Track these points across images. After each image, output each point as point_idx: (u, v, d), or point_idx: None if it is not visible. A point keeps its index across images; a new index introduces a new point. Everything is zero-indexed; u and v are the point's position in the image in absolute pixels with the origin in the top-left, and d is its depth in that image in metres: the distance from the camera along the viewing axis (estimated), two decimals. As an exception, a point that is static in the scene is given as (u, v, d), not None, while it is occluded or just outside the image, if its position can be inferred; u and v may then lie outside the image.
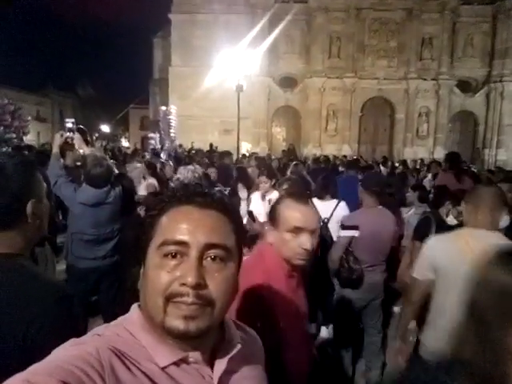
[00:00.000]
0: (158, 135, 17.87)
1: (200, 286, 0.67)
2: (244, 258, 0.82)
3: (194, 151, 16.28)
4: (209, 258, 0.70)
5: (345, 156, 19.41)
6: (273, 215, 1.57)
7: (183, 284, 0.66)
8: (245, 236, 0.89)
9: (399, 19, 26.65)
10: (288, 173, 7.61)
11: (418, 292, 2.14)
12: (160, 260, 0.69)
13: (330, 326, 4.13)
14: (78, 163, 5.41)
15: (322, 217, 4.07)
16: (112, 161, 4.99)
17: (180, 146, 18.93)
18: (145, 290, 0.71)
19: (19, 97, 40.53)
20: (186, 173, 3.85)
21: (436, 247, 2.12)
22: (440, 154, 24.79)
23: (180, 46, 27.68)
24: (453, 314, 1.87)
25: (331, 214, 4.01)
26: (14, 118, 22.21)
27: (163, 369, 0.68)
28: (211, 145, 17.80)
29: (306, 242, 1.48)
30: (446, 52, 26.65)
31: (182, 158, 10.36)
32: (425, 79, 26.77)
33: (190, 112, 25.95)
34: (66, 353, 0.64)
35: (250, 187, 5.59)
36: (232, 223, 0.75)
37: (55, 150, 3.46)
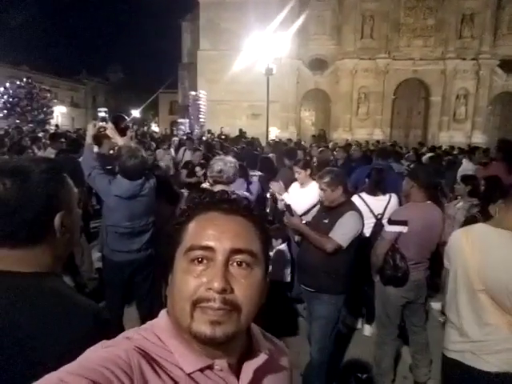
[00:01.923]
0: (187, 120, 17.88)
1: (226, 291, 0.67)
2: None
3: (223, 136, 16.18)
4: (235, 264, 0.70)
5: (378, 141, 18.80)
6: None
7: (209, 289, 0.67)
8: (270, 242, 0.89)
9: (438, -5, 25.16)
10: (314, 159, 7.32)
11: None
12: (187, 265, 0.70)
13: (373, 324, 3.99)
14: (112, 152, 5.40)
15: (376, 213, 3.93)
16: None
17: (209, 131, 18.88)
18: (172, 296, 0.72)
19: (54, 83, 41.80)
20: (225, 165, 3.66)
21: (454, 237, 2.11)
22: (478, 139, 23.61)
23: (208, 29, 27.38)
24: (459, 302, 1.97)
25: (384, 210, 3.86)
26: (33, 99, 22.91)
27: (189, 375, 0.68)
28: (241, 130, 17.63)
29: None
30: (488, 29, 25.05)
31: (212, 144, 10.24)
32: (464, 59, 25.35)
33: (218, 97, 25.79)
34: (97, 354, 0.65)
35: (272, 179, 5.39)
36: (257, 229, 0.75)
37: (88, 140, 3.40)
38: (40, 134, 13.53)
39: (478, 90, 25.68)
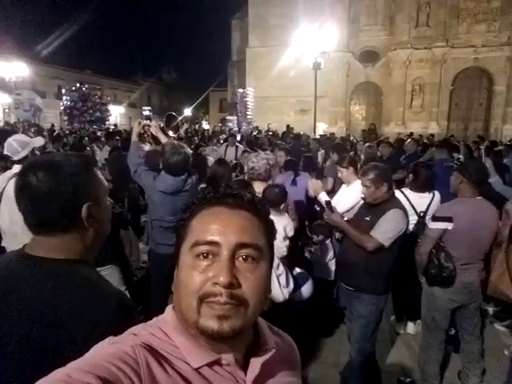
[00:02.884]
0: (235, 117, 18.13)
1: (232, 285, 0.67)
2: None
3: (270, 133, 16.19)
4: (240, 258, 0.70)
5: (432, 135, 17.82)
6: None
7: (216, 284, 0.66)
8: (275, 237, 0.81)
9: (504, -26, 23.22)
10: (362, 157, 7.03)
11: None
12: (192, 261, 0.70)
13: (418, 322, 3.82)
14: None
15: (418, 210, 3.77)
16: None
17: (256, 127, 18.99)
18: (178, 291, 0.72)
19: (114, 85, 44.33)
20: (258, 162, 3.70)
21: None
22: (550, 130, 21.61)
23: (257, 25, 27.48)
24: None
25: (427, 208, 3.70)
26: (86, 100, 24.39)
27: (196, 370, 0.69)
28: (288, 126, 17.54)
29: None
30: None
31: (253, 141, 10.26)
32: (534, 43, 23.20)
33: (266, 93, 25.85)
34: (104, 351, 0.66)
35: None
36: (262, 223, 0.75)
37: (134, 138, 3.56)
38: (99, 133, 14.39)
39: (550, 77, 23.42)
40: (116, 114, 38.05)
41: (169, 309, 0.77)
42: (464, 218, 2.87)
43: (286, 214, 3.34)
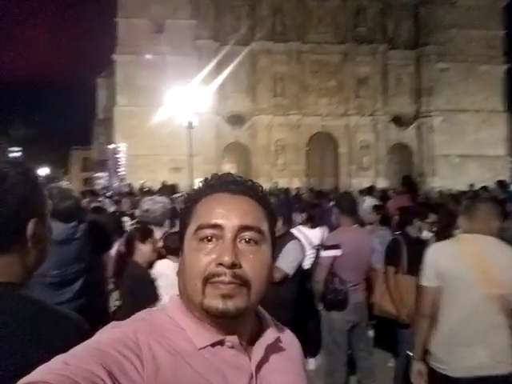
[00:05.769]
0: (106, 174, 17.18)
1: (236, 265, 0.68)
2: None
3: (146, 189, 15.76)
4: (243, 241, 0.71)
5: (297, 188, 19.85)
6: None
7: (220, 264, 0.68)
8: (276, 223, 0.89)
9: (337, 61, 28.89)
10: None
11: (429, 300, 2.15)
12: (197, 244, 0.71)
13: (318, 357, 3.99)
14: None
15: (313, 244, 4.14)
16: None
17: (129, 185, 18.30)
18: (183, 275, 0.73)
19: None
20: (153, 205, 3.63)
21: (438, 253, 2.22)
22: (382, 184, 26.28)
23: (125, 85, 27.52)
24: (460, 315, 2.00)
25: (321, 241, 4.07)
26: None
27: (200, 351, 0.69)
28: (164, 183, 17.38)
29: None
30: (379, 90, 29.10)
31: (136, 194, 9.93)
32: (363, 115, 28.85)
33: (137, 151, 25.42)
34: (106, 335, 0.67)
35: None
36: (264, 209, 0.77)
37: None
38: None
39: (377, 141, 29.15)
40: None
41: (173, 297, 0.78)
42: (348, 244, 3.29)
43: None
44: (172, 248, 3.03)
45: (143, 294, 2.74)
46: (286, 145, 28.16)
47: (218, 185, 0.77)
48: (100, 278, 3.55)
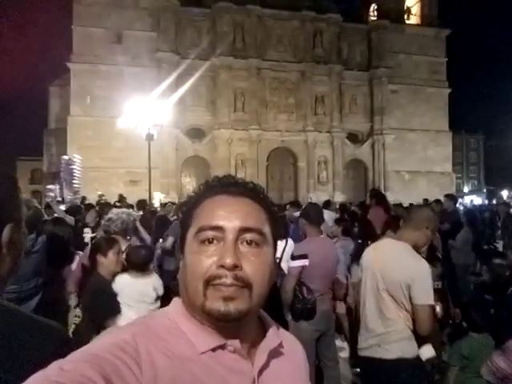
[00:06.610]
0: (57, 187, 16.31)
1: (237, 267, 0.68)
2: None
3: (102, 201, 15.14)
4: (245, 243, 0.71)
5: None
6: None
7: (221, 266, 0.67)
8: (279, 225, 0.85)
9: (295, 79, 29.77)
10: None
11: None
12: (198, 246, 0.71)
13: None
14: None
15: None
16: None
17: (83, 198, 17.48)
18: (184, 278, 0.72)
19: None
20: (117, 214, 3.55)
21: (366, 252, 2.67)
22: (339, 197, 27.10)
23: (80, 95, 26.61)
24: (367, 303, 2.39)
25: (282, 253, 4.07)
26: None
27: (201, 355, 0.68)
28: (121, 196, 16.81)
29: None
30: (335, 108, 30.31)
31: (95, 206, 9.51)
32: (320, 131, 29.83)
33: (91, 163, 24.49)
34: (104, 340, 0.66)
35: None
36: (265, 211, 0.76)
37: None
38: None
39: (334, 157, 30.21)
40: None
41: (175, 300, 0.77)
42: (316, 254, 3.35)
43: (155, 274, 3.21)
44: (137, 263, 2.93)
45: (102, 309, 2.61)
46: (246, 159, 28.37)
47: (219, 187, 0.77)
48: (59, 293, 3.34)
